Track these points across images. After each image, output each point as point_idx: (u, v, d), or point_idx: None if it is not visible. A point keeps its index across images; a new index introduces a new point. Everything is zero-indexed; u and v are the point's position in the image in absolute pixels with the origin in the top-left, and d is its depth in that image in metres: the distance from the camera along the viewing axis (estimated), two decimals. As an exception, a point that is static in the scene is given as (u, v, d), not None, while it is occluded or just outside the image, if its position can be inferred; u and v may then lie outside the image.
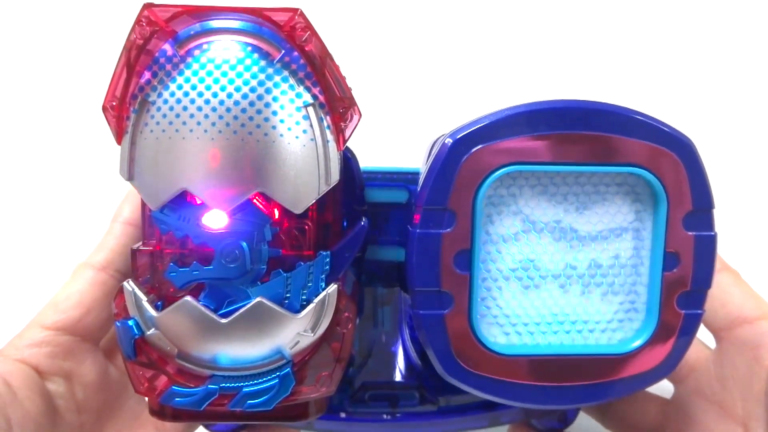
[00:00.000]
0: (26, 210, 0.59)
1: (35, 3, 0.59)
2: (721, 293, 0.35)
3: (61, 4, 0.59)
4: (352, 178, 0.36)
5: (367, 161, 0.38)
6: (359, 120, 0.30)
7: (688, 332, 0.32)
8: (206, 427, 0.39)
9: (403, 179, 0.39)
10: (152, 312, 0.30)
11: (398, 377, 0.41)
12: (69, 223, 0.58)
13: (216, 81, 0.28)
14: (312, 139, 0.29)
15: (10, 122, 0.59)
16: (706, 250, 0.32)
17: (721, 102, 0.61)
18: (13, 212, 0.59)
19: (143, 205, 0.31)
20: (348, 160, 0.36)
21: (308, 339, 0.30)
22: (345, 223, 0.35)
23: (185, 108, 0.28)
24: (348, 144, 0.35)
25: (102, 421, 0.36)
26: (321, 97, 0.29)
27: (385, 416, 0.39)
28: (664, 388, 0.39)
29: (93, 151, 0.57)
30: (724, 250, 0.37)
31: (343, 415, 0.39)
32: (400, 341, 0.41)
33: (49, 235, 0.58)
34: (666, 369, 0.33)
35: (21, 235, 0.59)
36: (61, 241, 0.58)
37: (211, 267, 0.30)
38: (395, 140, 0.55)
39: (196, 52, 0.28)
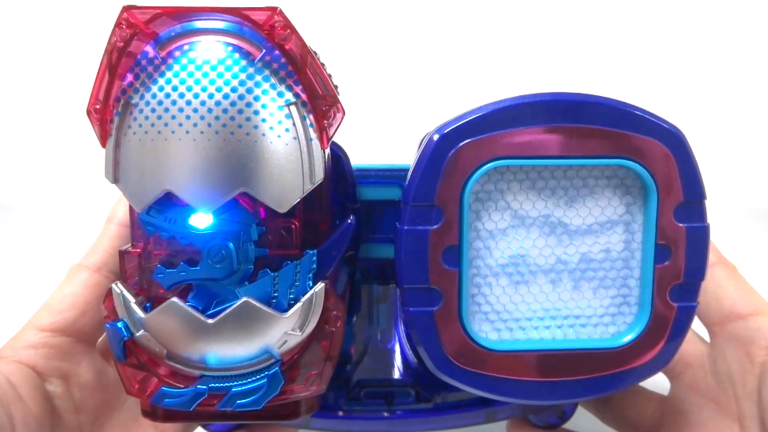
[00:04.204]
0: (21, 212, 0.59)
1: (16, 10, 0.59)
2: (716, 287, 0.35)
3: (44, 9, 0.59)
4: (343, 175, 0.36)
5: (359, 159, 0.38)
6: (343, 118, 0.30)
7: (681, 325, 0.32)
8: (204, 426, 0.39)
9: (396, 176, 0.38)
10: (140, 313, 0.30)
11: (395, 374, 0.40)
12: (63, 224, 0.58)
13: (197, 82, 0.28)
14: (295, 138, 0.29)
15: (3, 127, 0.60)
16: (698, 241, 0.31)
17: (710, 92, 0.60)
18: (8, 215, 0.59)
19: (131, 206, 0.31)
20: (339, 158, 0.36)
21: (296, 338, 0.30)
22: (338, 221, 0.35)
23: (167, 109, 0.28)
24: (340, 142, 0.35)
25: (100, 422, 0.36)
26: (303, 96, 0.29)
27: (385, 414, 0.39)
28: (662, 385, 0.38)
29: (87, 153, 0.57)
30: (723, 245, 0.37)
31: (340, 413, 0.39)
32: (396, 338, 0.41)
33: (44, 236, 0.59)
34: (660, 363, 0.32)
35: (16, 236, 0.59)
36: (55, 242, 0.58)
37: (198, 267, 0.30)
38: (388, 137, 0.55)
39: (177, 54, 0.28)
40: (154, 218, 0.30)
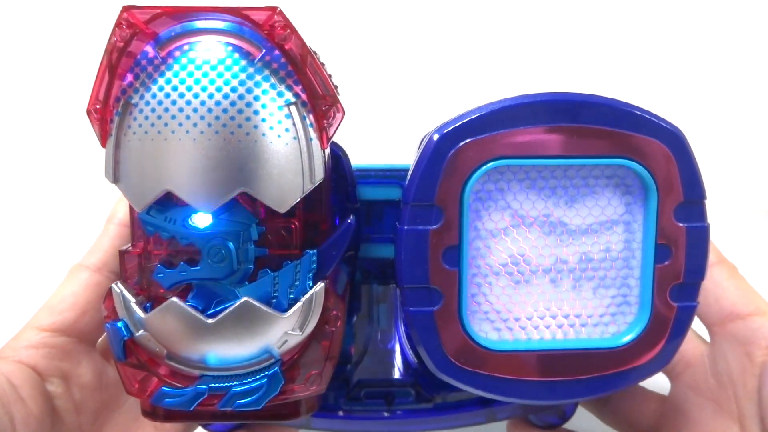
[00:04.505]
0: (21, 212, 0.59)
1: (17, 10, 0.59)
2: (716, 287, 0.35)
3: (44, 9, 0.59)
4: (343, 176, 0.36)
5: (359, 159, 0.38)
6: (343, 118, 0.30)
7: (681, 325, 0.32)
8: (204, 426, 0.39)
9: (396, 176, 0.38)
10: (140, 313, 0.30)
11: (395, 374, 0.40)
12: (63, 224, 0.58)
13: (197, 82, 0.28)
14: (295, 138, 0.29)
15: (3, 126, 0.60)
16: (698, 241, 0.31)
17: (710, 92, 0.60)
18: (8, 215, 0.59)
19: (131, 206, 0.31)
20: (339, 158, 0.36)
21: (296, 338, 0.30)
22: (338, 221, 0.35)
23: (167, 109, 0.28)
24: (340, 142, 0.35)
25: (100, 422, 0.36)
26: (303, 96, 0.29)
27: (385, 414, 0.39)
28: (662, 385, 0.38)
29: (87, 153, 0.57)
30: (723, 245, 0.37)
31: (340, 413, 0.39)
32: (396, 338, 0.41)
33: (44, 236, 0.59)
34: (660, 362, 0.32)
35: (16, 236, 0.59)
36: (55, 242, 0.58)
37: (198, 267, 0.30)
38: (388, 137, 0.55)
39: (177, 53, 0.28)
40: (154, 218, 0.30)
